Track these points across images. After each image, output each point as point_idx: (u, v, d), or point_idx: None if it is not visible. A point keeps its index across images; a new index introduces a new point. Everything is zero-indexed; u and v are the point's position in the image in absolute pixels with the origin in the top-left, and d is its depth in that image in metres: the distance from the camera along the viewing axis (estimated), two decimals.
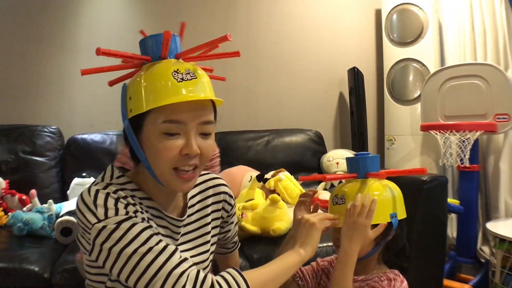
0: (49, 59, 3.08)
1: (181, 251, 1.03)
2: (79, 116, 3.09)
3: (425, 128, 2.85)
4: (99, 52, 0.98)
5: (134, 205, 1.00)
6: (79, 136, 2.86)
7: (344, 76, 3.34)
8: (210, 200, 1.22)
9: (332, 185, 2.71)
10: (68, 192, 2.67)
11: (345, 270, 1.14)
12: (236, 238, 1.39)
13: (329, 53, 3.42)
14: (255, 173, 2.64)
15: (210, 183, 1.24)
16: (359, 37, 3.48)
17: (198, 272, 0.93)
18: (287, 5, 3.37)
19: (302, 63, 3.38)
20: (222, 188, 1.25)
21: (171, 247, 0.95)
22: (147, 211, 1.04)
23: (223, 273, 0.97)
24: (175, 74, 0.99)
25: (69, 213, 2.25)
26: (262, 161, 2.90)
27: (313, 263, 1.41)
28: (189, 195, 1.18)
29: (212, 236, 1.21)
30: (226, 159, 2.83)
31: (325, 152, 3.07)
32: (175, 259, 0.93)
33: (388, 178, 1.29)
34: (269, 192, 2.46)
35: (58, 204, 2.49)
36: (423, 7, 3.17)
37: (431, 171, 3.00)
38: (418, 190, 2.08)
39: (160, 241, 0.95)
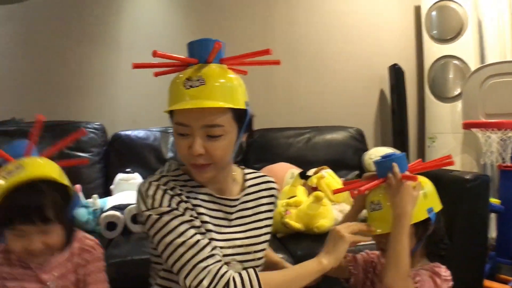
0: (92, 57, 3.19)
1: (234, 232, 1.20)
2: (121, 112, 3.18)
3: (466, 126, 2.84)
4: (155, 54, 1.10)
5: (179, 195, 1.14)
6: (123, 133, 2.92)
7: (384, 73, 3.35)
8: (264, 193, 1.31)
9: None
10: (112, 187, 2.71)
11: (406, 238, 1.19)
12: None
13: (369, 50, 3.42)
14: (296, 170, 2.69)
15: (263, 179, 1.35)
16: (399, 34, 3.47)
17: (219, 268, 1.06)
18: (327, 3, 3.40)
19: (342, 61, 3.40)
20: (274, 186, 1.37)
21: (203, 242, 1.08)
22: (196, 198, 1.17)
23: (242, 272, 1.08)
24: (186, 81, 1.10)
25: (114, 208, 2.32)
26: (303, 158, 2.90)
27: (363, 254, 1.47)
28: (246, 184, 1.29)
29: (266, 226, 1.28)
30: (267, 156, 2.92)
31: (366, 149, 3.05)
32: (203, 254, 1.06)
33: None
34: (311, 189, 2.49)
35: (103, 199, 2.53)
36: (462, 4, 3.17)
37: (472, 169, 3.02)
38: (461, 189, 2.10)
39: (195, 234, 1.09)
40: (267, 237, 1.29)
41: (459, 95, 3.12)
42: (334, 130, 3.09)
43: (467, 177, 2.11)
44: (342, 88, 3.40)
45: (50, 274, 1.18)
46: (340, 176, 2.67)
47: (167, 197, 1.12)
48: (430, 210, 1.26)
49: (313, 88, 3.36)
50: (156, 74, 1.25)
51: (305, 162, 2.81)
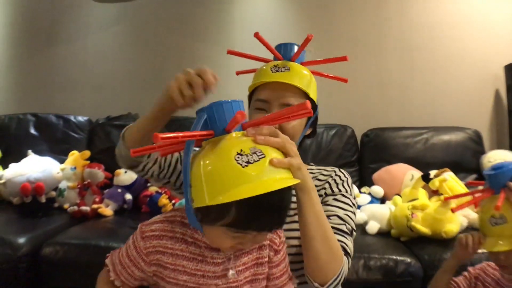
0: (204, 54, 3.32)
1: None
2: None
3: None
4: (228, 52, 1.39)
5: None
6: None
7: (499, 72, 3.23)
8: (320, 179, 1.31)
9: None
10: None
11: None
12: None
13: (483, 48, 3.31)
14: (416, 172, 2.69)
15: (321, 171, 1.34)
16: None
17: None
18: (441, 2, 3.32)
19: (455, 60, 3.31)
20: (331, 173, 1.32)
21: None
22: None
23: None
24: (273, 67, 1.28)
25: None
26: (421, 159, 2.85)
27: (465, 273, 1.50)
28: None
29: None
30: (384, 156, 2.91)
31: (483, 152, 2.96)
32: None
33: None
34: (432, 192, 2.47)
35: None
36: None
37: None
38: None
39: None
40: None
41: None
42: (452, 131, 3.00)
43: None
44: (455, 87, 3.32)
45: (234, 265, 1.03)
46: (460, 179, 2.60)
47: None
48: None
49: (427, 87, 3.30)
50: (238, 73, 1.50)
51: (423, 164, 2.78)
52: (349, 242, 1.16)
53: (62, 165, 2.66)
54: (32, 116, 3.02)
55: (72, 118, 3.03)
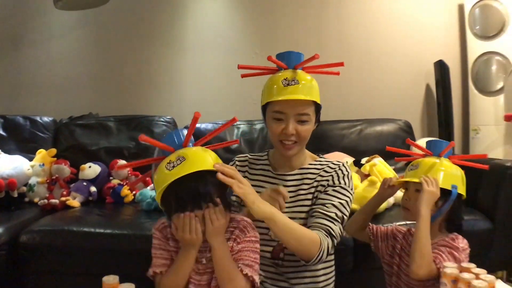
0: (161, 57, 3.54)
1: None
2: (189, 107, 3.45)
3: (508, 118, 2.99)
4: (241, 72, 1.67)
5: (244, 165, 1.69)
6: None
7: (430, 68, 3.54)
8: (323, 174, 1.59)
9: None
10: None
11: (426, 230, 1.47)
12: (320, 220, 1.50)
13: (415, 47, 3.61)
14: (349, 158, 2.92)
15: (327, 163, 1.64)
16: (444, 31, 3.64)
17: None
18: (375, 3, 3.61)
19: (390, 57, 3.60)
20: (333, 166, 1.61)
21: None
22: (257, 174, 1.65)
23: None
24: (284, 80, 1.49)
25: None
26: (356, 148, 3.09)
27: (389, 226, 1.78)
28: (303, 166, 1.63)
29: (310, 199, 1.57)
30: (323, 146, 3.12)
31: (414, 140, 3.09)
32: None
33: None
34: (364, 176, 2.72)
35: None
36: (504, 2, 3.35)
37: None
38: (502, 175, 2.37)
39: None
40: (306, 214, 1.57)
41: (502, 89, 3.29)
42: (384, 122, 3.26)
43: (508, 164, 2.37)
44: (391, 82, 3.60)
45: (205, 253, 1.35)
46: (389, 165, 2.89)
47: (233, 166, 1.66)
48: (454, 187, 1.54)
49: (364, 83, 3.59)
50: (243, 76, 1.70)
51: (358, 152, 3.03)
52: (336, 227, 1.45)
53: (32, 162, 2.84)
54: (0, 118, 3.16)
55: (38, 118, 3.18)
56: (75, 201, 2.72)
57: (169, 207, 1.29)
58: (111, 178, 2.96)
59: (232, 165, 1.65)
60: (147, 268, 1.40)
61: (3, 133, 3.11)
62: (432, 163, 1.59)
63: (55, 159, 2.93)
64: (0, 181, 2.63)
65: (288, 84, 1.49)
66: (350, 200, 1.55)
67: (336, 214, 1.47)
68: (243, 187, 1.23)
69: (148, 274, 1.37)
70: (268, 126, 1.59)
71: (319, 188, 1.56)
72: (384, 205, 2.45)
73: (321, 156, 1.70)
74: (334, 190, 1.53)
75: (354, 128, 3.25)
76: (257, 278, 1.31)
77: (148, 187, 2.83)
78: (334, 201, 1.49)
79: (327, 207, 1.48)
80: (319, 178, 1.58)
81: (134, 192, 2.85)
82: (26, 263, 2.27)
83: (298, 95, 1.47)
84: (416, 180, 1.56)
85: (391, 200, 2.56)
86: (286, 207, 1.49)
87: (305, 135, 1.53)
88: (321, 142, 3.17)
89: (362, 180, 2.72)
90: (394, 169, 2.87)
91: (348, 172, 1.58)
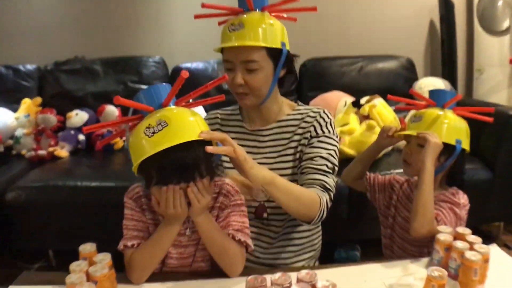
0: None
1: (263, 163, 1.42)
2: (179, 46, 3.32)
3: None
4: (203, 5, 1.44)
5: (213, 124, 1.54)
6: (183, 65, 3.05)
7: (434, 3, 3.31)
8: (303, 125, 1.46)
9: None
10: None
11: (430, 184, 1.36)
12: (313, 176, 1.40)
13: None
14: (349, 98, 2.82)
15: (306, 111, 1.49)
16: None
17: None
18: None
19: None
20: (314, 115, 1.47)
21: None
22: (230, 132, 1.50)
23: None
24: (230, 26, 1.37)
25: None
26: (356, 86, 2.98)
27: (387, 176, 1.68)
28: (287, 117, 1.49)
29: (293, 157, 1.46)
30: (321, 84, 3.03)
31: (416, 79, 3.09)
32: None
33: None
34: (363, 117, 2.62)
35: None
36: None
37: None
38: (506, 124, 2.28)
39: None
40: (295, 168, 1.45)
41: (508, 29, 3.12)
42: (386, 59, 3.13)
43: (511, 112, 2.28)
44: (393, 16, 3.39)
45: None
46: (390, 105, 2.74)
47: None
48: (458, 141, 1.44)
49: (364, 17, 3.38)
50: (196, 17, 1.53)
51: (358, 91, 2.90)
52: (329, 179, 1.36)
53: (16, 114, 2.76)
54: None
55: (21, 67, 3.06)
56: (63, 151, 2.66)
57: (148, 177, 1.12)
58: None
59: None
60: None
61: None
62: (436, 115, 1.46)
63: (40, 108, 2.84)
64: None
65: (233, 30, 1.37)
66: (337, 148, 1.44)
67: (327, 166, 1.37)
68: (239, 152, 1.11)
69: (119, 247, 1.24)
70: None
71: (302, 141, 1.44)
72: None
73: (300, 104, 1.55)
74: (319, 141, 1.42)
75: (354, 65, 3.11)
76: (250, 242, 1.23)
77: None
78: (321, 153, 1.39)
79: (315, 160, 1.38)
80: (300, 131, 1.45)
81: (123, 139, 2.76)
82: (13, 221, 2.25)
83: (240, 41, 1.34)
84: (414, 133, 1.45)
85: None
86: (267, 166, 1.38)
87: (255, 85, 1.38)
88: (319, 80, 3.06)
89: (360, 122, 2.62)
90: (394, 110, 2.75)
91: (330, 119, 1.46)
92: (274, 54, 1.38)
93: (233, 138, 1.33)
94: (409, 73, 3.10)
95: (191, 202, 1.12)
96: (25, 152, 2.67)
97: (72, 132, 2.75)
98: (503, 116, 2.26)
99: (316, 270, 1.07)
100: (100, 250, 1.19)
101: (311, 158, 1.39)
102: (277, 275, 1.01)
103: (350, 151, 2.36)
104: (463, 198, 1.44)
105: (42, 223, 2.25)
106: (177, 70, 3.06)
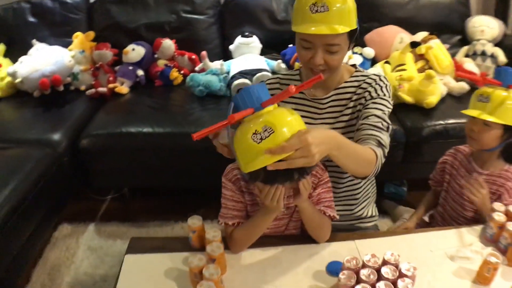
0: None
1: (321, 124, 1.51)
2: None
3: None
4: None
5: (274, 89, 1.57)
6: None
7: None
8: (359, 91, 1.50)
9: (474, 53, 2.85)
10: (232, 49, 2.88)
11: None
12: (369, 132, 1.40)
13: None
14: (405, 34, 2.83)
15: (363, 78, 1.52)
16: None
17: None
18: None
19: None
20: (370, 81, 1.50)
21: None
22: (291, 98, 1.52)
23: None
24: (312, 6, 1.29)
25: (241, 74, 2.59)
26: (410, 20, 2.93)
27: (437, 166, 1.82)
28: (339, 85, 1.52)
29: (350, 124, 1.52)
30: (375, 14, 2.97)
31: (469, 15, 3.03)
32: None
33: None
34: (418, 56, 2.67)
35: (227, 63, 2.77)
36: None
37: None
38: None
39: None
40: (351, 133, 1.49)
41: None
42: None
43: None
44: None
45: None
46: (443, 41, 2.80)
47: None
48: None
49: None
50: None
51: (413, 24, 2.90)
52: (384, 136, 1.39)
53: (72, 52, 2.69)
54: (26, 3, 2.87)
55: None
56: (123, 87, 2.68)
57: (255, 175, 1.11)
58: (155, 56, 2.86)
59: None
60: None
61: (33, 20, 2.89)
62: (503, 97, 1.51)
63: (94, 43, 2.78)
64: (44, 80, 2.54)
65: (316, 11, 1.29)
66: (390, 111, 1.49)
67: (382, 124, 1.41)
68: (308, 155, 1.06)
69: (219, 222, 1.40)
70: (296, 49, 1.45)
71: (358, 107, 1.50)
72: (437, 98, 2.45)
73: (358, 69, 1.58)
74: (374, 103, 1.46)
75: None
76: (335, 214, 1.41)
77: (196, 67, 2.79)
78: (376, 112, 1.43)
79: (371, 118, 1.42)
80: (355, 97, 1.51)
81: (182, 72, 2.81)
82: (88, 165, 2.38)
83: (327, 26, 1.29)
84: (489, 118, 1.51)
85: (444, 92, 2.55)
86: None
87: (335, 64, 1.40)
88: (373, 12, 2.99)
89: (416, 61, 2.67)
90: (448, 49, 2.79)
91: (386, 84, 1.50)
92: (352, 33, 1.38)
93: (292, 103, 1.45)
94: (463, 8, 3.03)
95: (301, 193, 1.25)
96: (84, 88, 2.69)
97: (131, 67, 2.74)
98: None
99: (383, 237, 1.41)
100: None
101: (367, 117, 1.43)
102: (367, 257, 1.23)
103: (409, 99, 2.44)
104: None
105: (116, 165, 2.39)
106: None
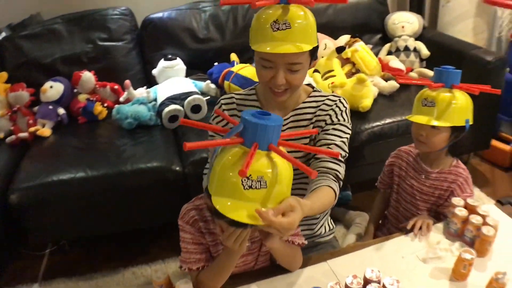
0: None
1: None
2: None
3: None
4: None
5: (230, 109, 1.51)
6: (155, 16, 2.84)
7: None
8: (319, 112, 1.47)
9: (397, 50, 2.93)
10: (155, 74, 2.75)
11: None
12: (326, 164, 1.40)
13: None
14: (328, 40, 2.85)
15: (322, 98, 1.50)
16: None
17: None
18: None
19: None
20: (329, 103, 1.48)
21: None
22: None
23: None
24: (274, 24, 1.24)
25: (170, 100, 2.48)
26: (331, 24, 2.95)
27: (384, 169, 1.85)
28: (297, 106, 1.49)
29: (310, 141, 1.49)
30: None
31: (387, 13, 3.11)
32: None
33: None
34: (345, 61, 2.71)
35: (152, 89, 2.66)
36: None
37: (481, 34, 3.15)
38: (483, 69, 2.49)
39: None
40: (309, 155, 1.47)
41: None
42: None
43: (489, 59, 2.47)
44: None
45: None
46: (365, 41, 2.86)
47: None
48: (467, 121, 1.56)
49: None
50: (222, 3, 1.41)
51: (334, 29, 2.92)
52: (341, 168, 1.39)
53: None
54: None
55: None
56: (45, 129, 2.50)
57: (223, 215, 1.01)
58: (75, 91, 2.69)
59: (218, 108, 1.52)
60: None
61: None
62: (448, 99, 1.54)
63: (8, 85, 2.57)
64: None
65: (278, 29, 1.24)
66: (350, 135, 1.49)
67: (341, 155, 1.40)
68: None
69: (181, 268, 1.33)
70: (256, 69, 1.39)
71: (318, 129, 1.47)
72: (371, 100, 2.47)
73: (315, 88, 1.56)
74: (334, 129, 1.45)
75: (327, 4, 3.02)
76: (304, 240, 1.37)
77: (121, 98, 2.65)
78: (336, 141, 1.42)
79: (330, 148, 1.40)
80: (315, 119, 1.49)
81: (105, 105, 2.67)
82: (21, 222, 2.18)
83: (290, 44, 1.24)
84: (439, 123, 1.54)
85: (375, 93, 2.58)
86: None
87: (297, 83, 1.36)
88: None
89: (343, 65, 2.70)
90: (372, 49, 2.84)
91: (346, 108, 1.49)
92: (314, 49, 1.35)
93: None
94: (381, 7, 3.10)
95: (273, 236, 1.14)
96: (2, 136, 2.48)
97: (51, 106, 2.56)
98: (481, 63, 2.49)
99: (353, 252, 1.45)
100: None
101: (326, 146, 1.41)
102: (349, 279, 1.20)
103: None
104: (466, 171, 1.65)
105: (54, 219, 2.21)
106: (149, 21, 2.84)
